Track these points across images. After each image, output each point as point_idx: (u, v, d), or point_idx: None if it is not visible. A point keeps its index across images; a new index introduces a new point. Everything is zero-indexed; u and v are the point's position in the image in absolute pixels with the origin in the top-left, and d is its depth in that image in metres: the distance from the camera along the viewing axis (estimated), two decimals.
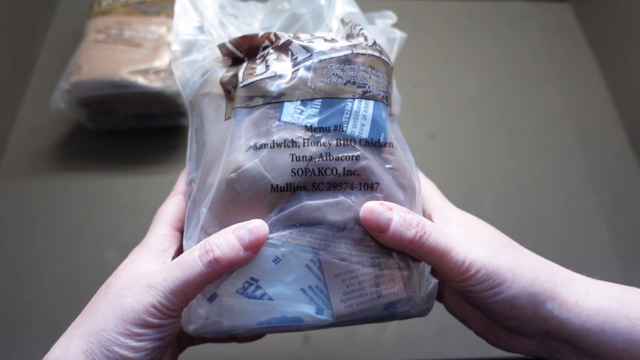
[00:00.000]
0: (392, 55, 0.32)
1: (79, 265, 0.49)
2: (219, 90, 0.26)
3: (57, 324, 0.46)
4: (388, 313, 0.24)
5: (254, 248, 0.22)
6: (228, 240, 0.22)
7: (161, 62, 0.50)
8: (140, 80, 0.49)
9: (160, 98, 0.50)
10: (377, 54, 0.25)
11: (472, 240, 0.24)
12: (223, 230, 0.23)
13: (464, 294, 0.24)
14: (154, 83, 0.49)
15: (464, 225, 0.26)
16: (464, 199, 0.55)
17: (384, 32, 0.33)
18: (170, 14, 0.54)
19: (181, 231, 0.28)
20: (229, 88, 0.25)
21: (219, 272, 0.23)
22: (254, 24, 0.32)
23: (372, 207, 0.23)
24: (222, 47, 0.26)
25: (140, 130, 0.56)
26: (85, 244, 0.50)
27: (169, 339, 0.24)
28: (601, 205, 0.56)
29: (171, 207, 0.29)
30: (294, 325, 0.23)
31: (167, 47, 0.51)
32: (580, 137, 0.61)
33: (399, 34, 0.33)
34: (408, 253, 0.24)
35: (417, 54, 0.67)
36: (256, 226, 0.23)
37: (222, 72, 0.26)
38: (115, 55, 0.50)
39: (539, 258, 0.25)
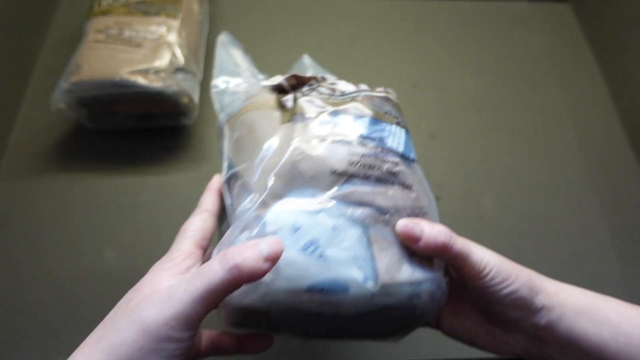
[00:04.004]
0: None
1: (79, 265, 0.49)
2: (271, 106, 0.32)
3: (57, 324, 0.46)
4: (412, 302, 0.27)
5: (273, 260, 0.23)
6: (249, 251, 0.23)
7: (161, 62, 0.50)
8: (140, 80, 0.49)
9: (160, 98, 0.50)
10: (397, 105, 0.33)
11: (490, 254, 0.28)
12: (242, 244, 0.24)
13: (478, 290, 0.27)
14: (153, 83, 0.49)
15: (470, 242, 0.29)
16: (464, 199, 0.55)
17: None
18: (170, 14, 0.54)
19: (204, 250, 0.28)
20: (284, 105, 0.32)
21: (239, 279, 0.23)
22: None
23: (406, 222, 0.26)
24: (274, 81, 0.34)
25: (140, 130, 0.56)
26: (85, 244, 0.50)
27: (187, 351, 0.24)
28: (601, 205, 0.56)
29: (196, 225, 0.29)
30: (336, 293, 0.25)
31: (167, 47, 0.51)
32: (580, 137, 0.61)
33: None
34: (437, 257, 0.27)
35: (417, 54, 0.67)
36: (275, 240, 0.24)
37: (273, 96, 0.33)
38: (115, 55, 0.50)
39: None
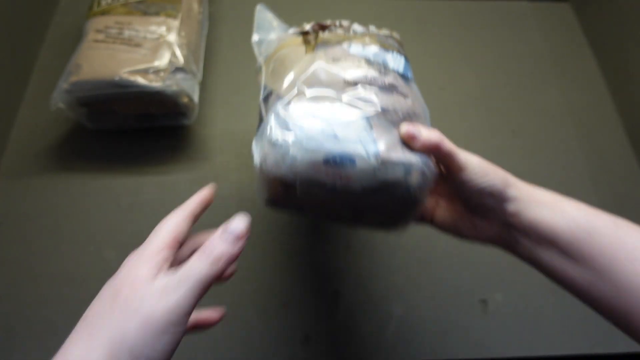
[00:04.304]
0: None
1: (78, 265, 0.49)
2: (298, 43, 0.40)
3: (57, 324, 0.46)
4: (406, 179, 0.33)
5: (243, 237, 0.28)
6: (221, 242, 0.28)
7: (161, 61, 0.50)
8: (140, 80, 0.48)
9: (160, 97, 0.50)
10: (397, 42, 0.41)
11: (473, 156, 0.34)
12: (211, 237, 0.28)
13: (462, 183, 0.33)
14: (153, 83, 0.49)
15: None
16: None
17: None
18: (170, 13, 0.54)
19: (176, 248, 0.30)
20: (309, 41, 0.40)
21: (223, 266, 0.27)
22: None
23: (408, 125, 0.33)
24: (302, 28, 0.42)
25: (139, 130, 0.56)
26: (84, 244, 0.50)
27: (181, 338, 0.26)
28: (601, 205, 0.55)
29: (172, 224, 0.31)
30: (346, 166, 0.32)
31: (166, 46, 0.51)
32: (581, 137, 0.61)
33: None
34: (435, 154, 0.33)
35: (417, 54, 0.67)
36: (239, 220, 0.29)
37: (300, 37, 0.41)
38: (115, 55, 0.50)
39: None
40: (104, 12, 0.53)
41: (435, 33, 0.70)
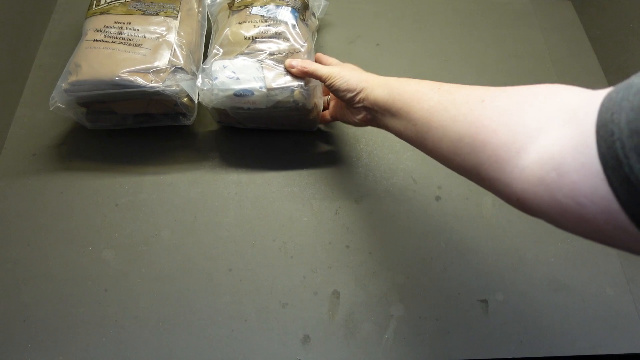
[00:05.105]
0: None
1: (77, 265, 0.49)
2: (226, 8, 0.55)
3: (55, 323, 0.46)
4: (292, 96, 0.49)
5: None
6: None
7: (160, 62, 0.50)
8: (140, 80, 0.48)
9: (159, 98, 0.50)
10: None
11: (335, 68, 0.47)
12: None
13: (330, 88, 0.47)
14: (153, 83, 0.49)
15: (336, 64, 0.51)
16: (465, 199, 0.55)
17: None
18: (169, 13, 0.54)
19: None
20: (230, 6, 0.55)
21: None
22: None
23: (289, 60, 0.49)
24: None
25: (138, 130, 0.56)
26: (83, 244, 0.50)
27: None
28: None
29: None
30: (249, 96, 0.48)
31: (166, 46, 0.51)
32: None
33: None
34: (305, 75, 0.49)
35: (417, 52, 0.67)
36: None
37: (227, 2, 0.57)
38: (114, 55, 0.49)
39: (365, 73, 0.47)
40: (103, 11, 0.53)
41: (436, 31, 0.69)
